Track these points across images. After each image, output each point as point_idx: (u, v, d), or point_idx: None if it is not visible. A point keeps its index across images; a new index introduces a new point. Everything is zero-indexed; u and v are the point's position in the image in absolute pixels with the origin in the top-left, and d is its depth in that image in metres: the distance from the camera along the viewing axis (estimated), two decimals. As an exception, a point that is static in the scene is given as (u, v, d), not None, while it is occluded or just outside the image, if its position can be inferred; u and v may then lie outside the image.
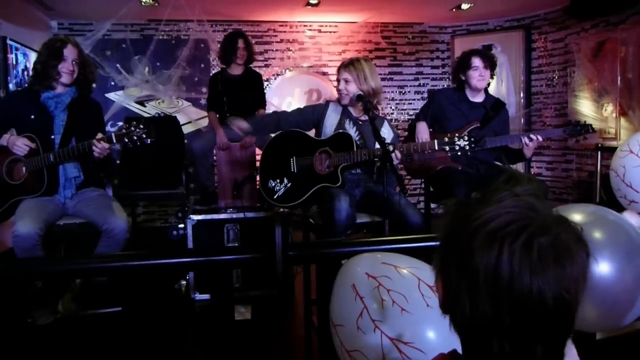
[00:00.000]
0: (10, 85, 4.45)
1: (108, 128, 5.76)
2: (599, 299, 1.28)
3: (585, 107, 5.48)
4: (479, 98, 3.62)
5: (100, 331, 2.93)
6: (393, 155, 2.64)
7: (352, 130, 2.97)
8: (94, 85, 3.20)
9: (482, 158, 3.52)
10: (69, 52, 2.87)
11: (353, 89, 2.95)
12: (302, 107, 3.23)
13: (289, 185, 2.98)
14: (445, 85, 6.47)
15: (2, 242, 3.38)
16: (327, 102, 3.14)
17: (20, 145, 2.78)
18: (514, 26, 6.26)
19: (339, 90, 3.04)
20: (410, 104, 6.48)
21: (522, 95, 6.26)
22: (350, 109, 3.06)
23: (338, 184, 2.85)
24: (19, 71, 4.63)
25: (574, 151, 5.68)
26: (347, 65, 3.02)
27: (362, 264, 1.21)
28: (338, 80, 3.04)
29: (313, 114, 3.07)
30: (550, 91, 6.02)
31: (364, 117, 3.04)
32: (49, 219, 2.78)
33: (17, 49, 4.58)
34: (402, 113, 6.46)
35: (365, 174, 3.01)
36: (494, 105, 3.64)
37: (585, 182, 5.43)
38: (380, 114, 3.27)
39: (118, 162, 4.51)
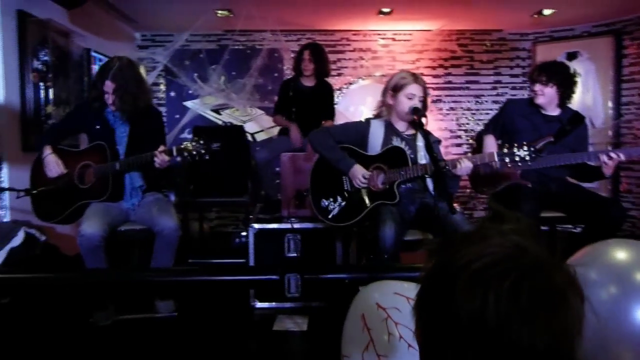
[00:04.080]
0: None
1: (185, 135, 6.04)
2: (636, 342, 1.17)
3: (683, 120, 5.06)
4: (554, 111, 3.43)
5: (157, 335, 3.05)
6: (463, 166, 2.59)
7: (401, 146, 2.91)
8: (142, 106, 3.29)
9: (554, 175, 3.34)
10: (107, 87, 3.03)
11: (420, 106, 2.90)
12: (345, 124, 3.19)
13: (343, 204, 2.96)
14: (526, 95, 6.19)
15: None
16: (369, 120, 3.08)
17: (52, 167, 3.05)
18: (603, 32, 5.88)
19: (406, 105, 2.91)
20: (487, 114, 6.24)
21: (610, 105, 5.87)
22: (396, 124, 3.00)
23: (395, 201, 2.80)
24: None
25: (670, 166, 5.25)
26: (420, 81, 2.96)
27: (375, 293, 1.18)
28: (409, 96, 2.92)
29: (356, 132, 3.03)
30: (643, 101, 5.61)
31: (410, 132, 2.97)
32: (113, 223, 2.99)
33: (100, 60, 4.88)
34: (478, 123, 6.25)
35: (420, 189, 2.94)
36: (572, 119, 3.43)
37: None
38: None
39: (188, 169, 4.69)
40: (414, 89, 2.90)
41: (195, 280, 1.63)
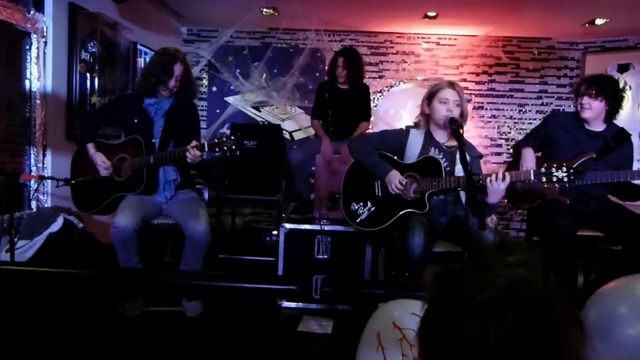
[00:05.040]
0: (138, 87, 4.85)
1: (224, 130, 6.11)
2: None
3: None
4: (599, 127, 3.30)
5: (183, 330, 3.09)
6: (495, 187, 2.52)
7: (438, 157, 2.85)
8: (193, 99, 3.37)
9: (594, 192, 3.21)
10: (177, 70, 3.09)
11: (458, 112, 2.83)
12: (383, 131, 3.16)
13: (372, 209, 2.94)
14: (572, 106, 5.99)
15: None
16: (408, 129, 3.04)
17: (100, 163, 3.11)
18: (658, 44, 5.65)
19: (441, 112, 2.83)
20: (530, 123, 6.09)
21: (662, 121, 5.64)
22: (435, 134, 2.94)
23: (425, 211, 2.76)
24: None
25: None
26: (454, 85, 2.88)
27: (392, 311, 1.15)
28: (442, 101, 2.83)
29: (394, 139, 2.99)
30: (698, 119, 5.36)
31: (450, 143, 2.91)
32: (146, 216, 3.04)
33: (146, 53, 4.98)
34: (520, 133, 6.09)
35: (453, 201, 2.88)
36: (617, 136, 3.28)
37: None
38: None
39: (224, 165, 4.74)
40: (447, 94, 2.82)
41: (215, 286, 1.65)
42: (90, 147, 3.18)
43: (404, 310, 1.14)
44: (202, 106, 6.25)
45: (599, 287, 1.37)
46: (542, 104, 6.16)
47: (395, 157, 3.01)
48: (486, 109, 6.18)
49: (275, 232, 3.97)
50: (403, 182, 2.82)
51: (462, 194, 2.78)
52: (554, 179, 2.50)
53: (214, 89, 6.26)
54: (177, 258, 3.19)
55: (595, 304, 1.25)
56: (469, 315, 0.67)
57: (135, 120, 3.15)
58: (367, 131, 4.51)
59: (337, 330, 3.22)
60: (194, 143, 2.88)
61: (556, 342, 0.66)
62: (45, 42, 3.69)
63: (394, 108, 6.21)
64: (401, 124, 5.97)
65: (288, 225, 3.65)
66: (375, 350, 1.08)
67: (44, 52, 3.68)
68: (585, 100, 3.21)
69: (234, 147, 2.77)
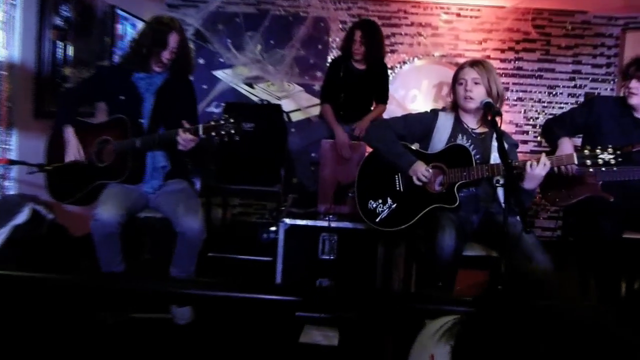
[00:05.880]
0: (116, 58, 4.74)
1: (212, 109, 5.99)
2: None
3: None
4: (647, 114, 3.26)
5: (170, 339, 3.02)
6: (541, 165, 2.48)
7: (466, 145, 2.81)
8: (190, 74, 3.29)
9: (642, 189, 3.17)
10: (172, 40, 3.01)
11: (481, 92, 2.77)
12: (406, 115, 3.09)
13: (394, 206, 2.88)
14: (609, 90, 5.95)
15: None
16: (436, 111, 2.98)
17: (71, 151, 3.02)
18: None
19: (460, 93, 2.84)
20: (561, 107, 6.02)
21: None
22: (465, 119, 2.89)
23: (455, 205, 2.71)
24: (127, 43, 4.91)
25: None
26: (475, 63, 2.84)
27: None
28: (460, 82, 2.84)
29: (420, 124, 2.95)
30: None
31: (481, 129, 2.86)
32: (132, 208, 2.95)
33: (126, 19, 4.86)
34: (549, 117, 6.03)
35: (487, 197, 2.82)
36: (668, 126, 3.25)
37: None
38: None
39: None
40: (463, 73, 2.83)
41: (212, 296, 1.58)
42: (68, 129, 3.05)
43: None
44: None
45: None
46: (574, 87, 6.09)
47: (418, 146, 2.96)
48: (511, 90, 6.10)
49: (273, 228, 3.90)
50: (430, 171, 2.77)
51: (500, 192, 2.73)
52: (600, 162, 2.49)
53: (201, 61, 6.09)
54: (157, 256, 3.11)
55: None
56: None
57: (122, 97, 3.04)
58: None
59: (344, 342, 3.17)
60: (187, 125, 2.78)
61: None
62: (14, 5, 3.56)
63: (405, 88, 6.12)
64: (414, 106, 5.89)
65: (289, 221, 3.59)
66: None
67: (12, 17, 3.56)
68: (634, 84, 3.17)
69: (233, 132, 2.69)
